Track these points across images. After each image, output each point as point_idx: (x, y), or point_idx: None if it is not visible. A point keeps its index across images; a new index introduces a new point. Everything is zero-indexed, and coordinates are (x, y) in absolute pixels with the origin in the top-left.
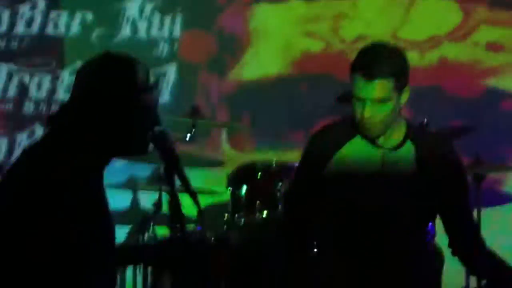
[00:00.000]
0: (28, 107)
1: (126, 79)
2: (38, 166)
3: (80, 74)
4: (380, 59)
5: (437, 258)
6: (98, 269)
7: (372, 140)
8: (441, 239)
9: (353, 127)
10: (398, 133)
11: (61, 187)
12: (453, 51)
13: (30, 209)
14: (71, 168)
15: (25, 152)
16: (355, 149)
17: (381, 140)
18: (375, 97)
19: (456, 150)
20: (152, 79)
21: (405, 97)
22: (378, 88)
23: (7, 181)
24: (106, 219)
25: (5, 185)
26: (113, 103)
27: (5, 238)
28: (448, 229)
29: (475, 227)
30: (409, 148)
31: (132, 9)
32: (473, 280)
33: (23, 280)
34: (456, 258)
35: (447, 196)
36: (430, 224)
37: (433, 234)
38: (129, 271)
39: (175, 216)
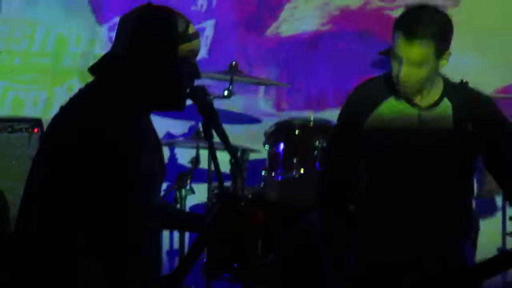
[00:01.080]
0: (67, 61)
1: (167, 29)
2: (86, 114)
3: (122, 24)
4: (423, 20)
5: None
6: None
7: (408, 99)
8: None
9: (390, 85)
10: (435, 91)
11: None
12: None
13: (83, 151)
14: (116, 114)
15: (72, 100)
16: (391, 108)
17: (417, 99)
18: (413, 58)
19: (494, 103)
20: (193, 31)
21: (444, 62)
22: (417, 49)
23: (58, 127)
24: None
25: (57, 131)
26: (154, 52)
27: (66, 178)
28: (501, 182)
29: None
30: (446, 106)
31: None
32: (510, 241)
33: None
34: (491, 221)
35: (491, 150)
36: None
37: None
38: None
39: (216, 172)
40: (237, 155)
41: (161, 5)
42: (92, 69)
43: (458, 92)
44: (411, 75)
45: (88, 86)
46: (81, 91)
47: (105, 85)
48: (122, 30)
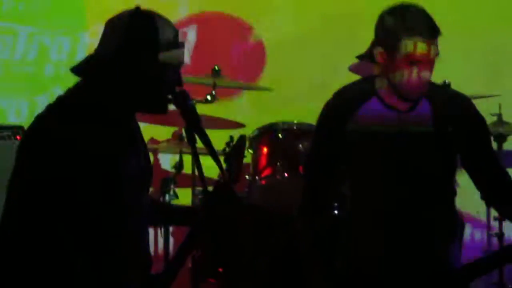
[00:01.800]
0: (49, 70)
1: (157, 35)
2: (71, 114)
3: (111, 26)
4: (429, 19)
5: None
6: (133, 207)
7: (388, 103)
8: None
9: (369, 89)
10: None
11: (90, 134)
12: None
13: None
14: (102, 116)
15: (56, 104)
16: (371, 111)
17: (397, 102)
18: (432, 56)
19: (473, 104)
20: (180, 39)
21: None
22: (434, 47)
23: (43, 127)
24: (139, 164)
25: (43, 131)
26: (141, 57)
27: (50, 178)
28: (478, 181)
29: (505, 172)
30: (424, 107)
31: None
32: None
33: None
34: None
35: (470, 148)
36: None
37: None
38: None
39: (200, 175)
40: (219, 159)
41: (151, 10)
42: (76, 69)
43: (437, 92)
44: (427, 76)
45: (71, 90)
46: (64, 96)
47: (91, 86)
48: (110, 32)
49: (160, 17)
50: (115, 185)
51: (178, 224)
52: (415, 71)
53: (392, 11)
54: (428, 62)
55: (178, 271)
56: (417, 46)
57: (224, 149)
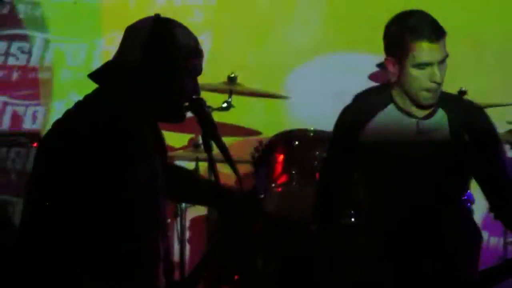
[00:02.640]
0: (65, 75)
1: (176, 44)
2: (88, 120)
3: (132, 33)
4: (433, 21)
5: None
6: (145, 214)
7: (406, 110)
8: None
9: (387, 95)
10: None
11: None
12: None
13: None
14: (120, 121)
15: (78, 105)
16: (389, 118)
17: (413, 109)
18: (441, 58)
19: (487, 114)
20: (199, 47)
21: None
22: (442, 48)
23: (61, 132)
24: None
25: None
26: (161, 66)
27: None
28: (488, 193)
29: None
30: (441, 116)
31: None
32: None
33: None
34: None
35: (482, 159)
36: (468, 192)
37: (472, 201)
38: None
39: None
40: (236, 166)
41: (170, 18)
42: (94, 76)
43: (452, 103)
44: (438, 79)
45: (90, 96)
46: (82, 102)
47: (109, 94)
48: (130, 40)
49: (180, 25)
50: (127, 189)
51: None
52: (425, 74)
53: (396, 19)
54: (437, 64)
55: (201, 277)
56: (424, 49)
57: (253, 155)
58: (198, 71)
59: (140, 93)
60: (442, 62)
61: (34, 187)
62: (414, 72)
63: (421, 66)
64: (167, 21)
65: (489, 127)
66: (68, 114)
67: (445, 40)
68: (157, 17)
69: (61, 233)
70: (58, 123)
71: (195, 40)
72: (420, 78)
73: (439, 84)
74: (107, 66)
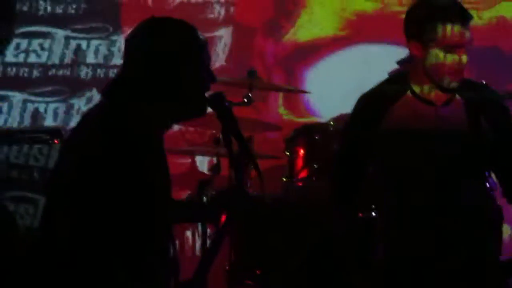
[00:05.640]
0: (86, 73)
1: (180, 40)
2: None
3: (130, 44)
4: (461, 4)
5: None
6: (159, 219)
7: (423, 97)
8: None
9: (405, 83)
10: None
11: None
12: (510, 11)
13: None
14: (136, 133)
15: (88, 119)
16: (408, 105)
17: (432, 96)
18: (467, 41)
19: (500, 96)
20: (203, 37)
21: None
22: (468, 30)
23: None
24: (165, 178)
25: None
26: (171, 65)
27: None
28: (502, 177)
29: None
30: (458, 102)
31: None
32: None
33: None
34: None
35: (498, 142)
36: (491, 179)
37: (495, 188)
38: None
39: (237, 176)
40: (256, 162)
41: (166, 17)
42: (106, 94)
43: (469, 88)
44: (464, 60)
45: (106, 107)
46: (99, 111)
47: (124, 108)
48: (132, 50)
49: (176, 21)
50: (150, 194)
51: (191, 221)
52: (452, 57)
53: (423, 2)
54: (463, 46)
55: (207, 274)
56: (453, 31)
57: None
58: (207, 59)
59: (157, 96)
60: (468, 44)
61: (61, 187)
62: (442, 55)
63: (449, 48)
64: (163, 21)
65: (504, 109)
66: (94, 118)
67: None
68: (152, 20)
69: (86, 234)
70: (84, 127)
71: (195, 31)
72: (447, 61)
73: (463, 67)
74: (117, 82)
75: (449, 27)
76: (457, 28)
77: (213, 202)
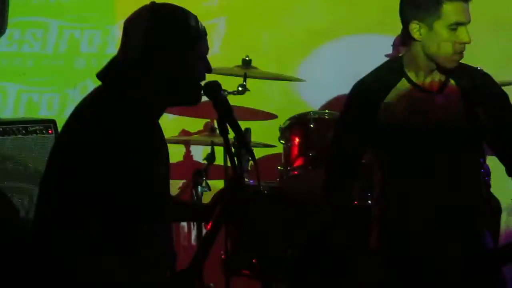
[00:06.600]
0: (80, 63)
1: (179, 28)
2: (102, 119)
3: (129, 27)
4: None
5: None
6: (155, 212)
7: (419, 84)
8: None
9: (399, 69)
10: (440, 75)
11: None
12: None
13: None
14: (130, 117)
15: (87, 105)
16: (403, 94)
17: (426, 82)
18: (470, 19)
19: (493, 79)
20: (202, 26)
21: None
22: (469, 9)
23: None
24: (162, 166)
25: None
26: (168, 51)
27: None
28: (504, 157)
29: None
30: (453, 88)
31: None
32: None
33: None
34: None
35: (496, 123)
36: (485, 165)
37: (488, 174)
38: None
39: (232, 167)
40: (253, 150)
41: (166, 3)
42: (101, 76)
43: (464, 73)
44: (468, 40)
45: (100, 92)
46: (93, 97)
47: (118, 92)
48: (132, 33)
49: (177, 8)
50: (134, 186)
51: (191, 220)
52: (456, 35)
53: None
54: (467, 24)
55: (202, 263)
56: (458, 9)
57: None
58: (205, 49)
59: (152, 82)
60: (468, 24)
61: (57, 177)
62: (446, 33)
63: (453, 26)
64: (164, 8)
65: (498, 90)
66: (89, 107)
67: None
68: (153, 6)
69: (82, 226)
70: (79, 116)
71: (196, 19)
72: (451, 39)
73: (464, 46)
74: (113, 65)
75: (454, 5)
76: (462, 6)
77: (213, 203)
